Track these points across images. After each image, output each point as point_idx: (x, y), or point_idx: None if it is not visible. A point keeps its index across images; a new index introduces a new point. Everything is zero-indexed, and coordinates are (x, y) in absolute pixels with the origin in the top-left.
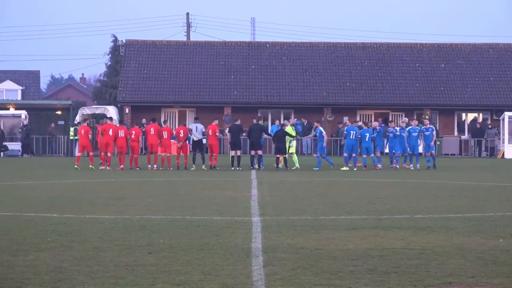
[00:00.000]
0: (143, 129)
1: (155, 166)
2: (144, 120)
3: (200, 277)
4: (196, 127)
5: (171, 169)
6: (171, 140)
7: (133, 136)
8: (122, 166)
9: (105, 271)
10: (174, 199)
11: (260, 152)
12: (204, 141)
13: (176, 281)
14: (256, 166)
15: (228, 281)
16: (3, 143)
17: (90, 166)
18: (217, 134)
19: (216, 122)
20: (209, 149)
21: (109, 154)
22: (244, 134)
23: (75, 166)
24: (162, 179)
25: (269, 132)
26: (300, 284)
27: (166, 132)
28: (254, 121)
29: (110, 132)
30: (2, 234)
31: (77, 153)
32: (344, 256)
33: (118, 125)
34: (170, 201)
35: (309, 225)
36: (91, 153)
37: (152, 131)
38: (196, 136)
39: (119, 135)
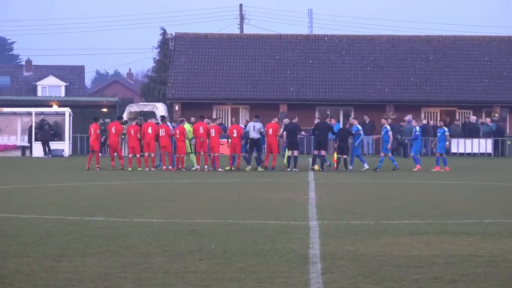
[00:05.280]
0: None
1: (205, 166)
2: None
3: (254, 285)
4: (254, 126)
5: (219, 169)
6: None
7: (177, 136)
8: (170, 166)
9: (153, 278)
10: (227, 202)
11: (323, 152)
12: None
13: None
14: (316, 167)
15: None
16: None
17: (139, 168)
18: (278, 133)
19: (276, 120)
20: (267, 148)
21: (146, 154)
22: (303, 132)
23: (128, 168)
24: (213, 180)
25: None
26: None
27: (214, 130)
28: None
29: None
30: (46, 238)
31: (127, 154)
32: (407, 264)
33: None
34: (223, 203)
35: (370, 230)
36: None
37: (201, 130)
38: (253, 135)
39: (160, 134)
